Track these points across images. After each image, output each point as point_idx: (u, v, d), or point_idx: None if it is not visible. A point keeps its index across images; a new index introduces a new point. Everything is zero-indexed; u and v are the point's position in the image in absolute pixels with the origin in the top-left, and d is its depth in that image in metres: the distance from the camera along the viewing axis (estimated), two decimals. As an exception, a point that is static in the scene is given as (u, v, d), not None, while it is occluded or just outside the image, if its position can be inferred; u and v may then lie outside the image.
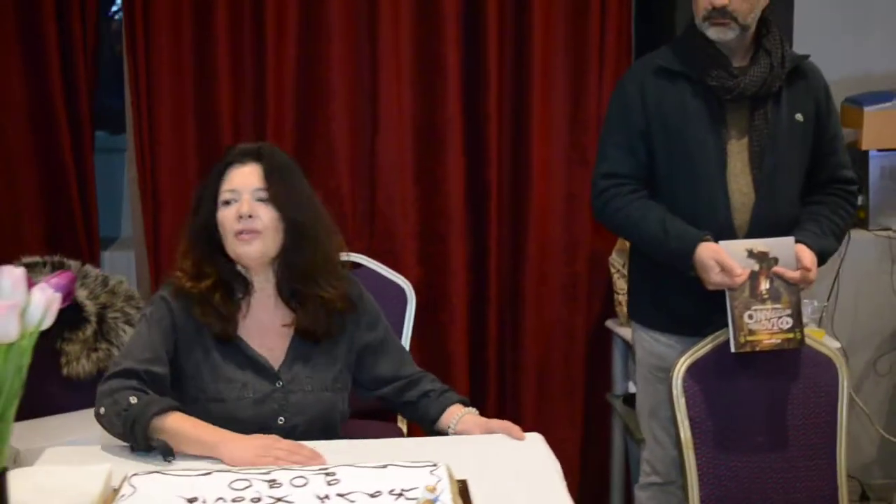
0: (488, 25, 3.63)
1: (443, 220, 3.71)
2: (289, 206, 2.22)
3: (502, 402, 3.82)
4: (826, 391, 2.66)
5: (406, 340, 3.26)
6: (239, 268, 2.26)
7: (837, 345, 3.57)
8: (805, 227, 2.72)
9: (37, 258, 3.30)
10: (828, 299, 3.88)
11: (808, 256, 2.61)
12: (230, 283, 2.24)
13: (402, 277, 3.34)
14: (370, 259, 3.36)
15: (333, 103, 3.63)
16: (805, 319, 3.43)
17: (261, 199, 2.20)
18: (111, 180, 3.97)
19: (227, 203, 2.21)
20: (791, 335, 2.60)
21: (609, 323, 3.74)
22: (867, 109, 3.91)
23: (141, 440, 2.03)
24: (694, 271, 2.62)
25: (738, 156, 2.71)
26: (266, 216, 2.20)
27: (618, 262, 3.56)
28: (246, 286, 2.27)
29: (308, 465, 1.94)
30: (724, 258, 2.57)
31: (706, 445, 2.59)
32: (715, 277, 2.57)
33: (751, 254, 2.59)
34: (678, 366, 2.62)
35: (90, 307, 3.29)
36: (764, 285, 2.59)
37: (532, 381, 3.79)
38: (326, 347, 2.30)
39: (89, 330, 3.28)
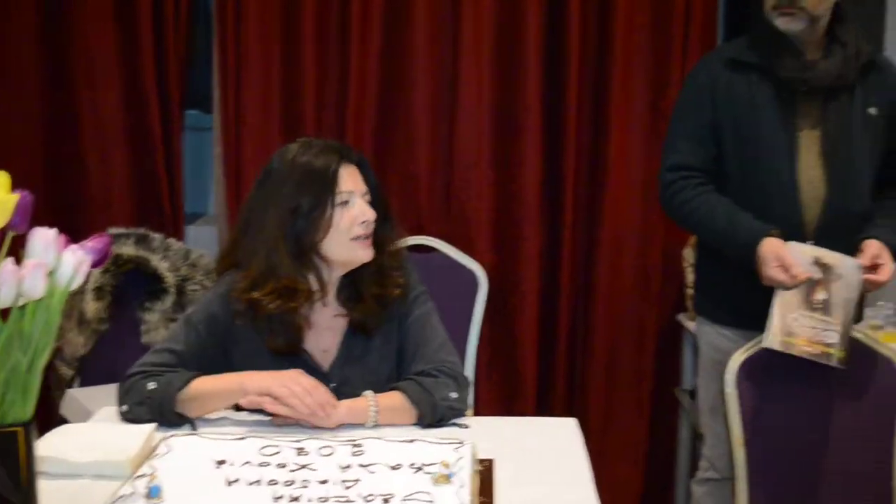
0: (570, 12, 3.64)
1: (518, 206, 3.73)
2: (381, 208, 2.21)
3: (571, 391, 3.83)
4: (885, 393, 2.59)
5: (476, 325, 3.29)
6: (324, 272, 2.20)
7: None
8: (879, 222, 2.66)
9: (122, 229, 3.45)
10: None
11: (882, 252, 2.55)
12: (300, 292, 2.15)
13: (475, 262, 3.37)
14: (444, 243, 3.40)
15: (414, 90, 3.69)
16: (881, 322, 3.38)
17: (367, 202, 2.18)
18: (202, 158, 4.09)
19: (344, 203, 2.15)
20: (832, 351, 2.54)
21: (680, 317, 3.71)
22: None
23: (173, 418, 2.05)
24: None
25: (809, 149, 2.66)
26: (375, 216, 2.18)
27: (690, 257, 3.52)
28: (310, 295, 2.18)
29: (316, 411, 1.98)
30: (784, 254, 2.53)
31: (758, 442, 2.54)
32: (770, 271, 2.53)
33: (817, 262, 2.55)
34: (734, 360, 2.58)
35: (170, 279, 3.42)
36: (820, 295, 2.54)
37: (601, 372, 3.79)
38: (380, 343, 2.25)
39: (169, 301, 3.42)
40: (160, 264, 3.42)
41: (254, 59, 3.67)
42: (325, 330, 2.23)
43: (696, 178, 2.72)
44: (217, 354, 2.19)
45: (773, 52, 2.65)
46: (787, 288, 2.53)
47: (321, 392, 2.02)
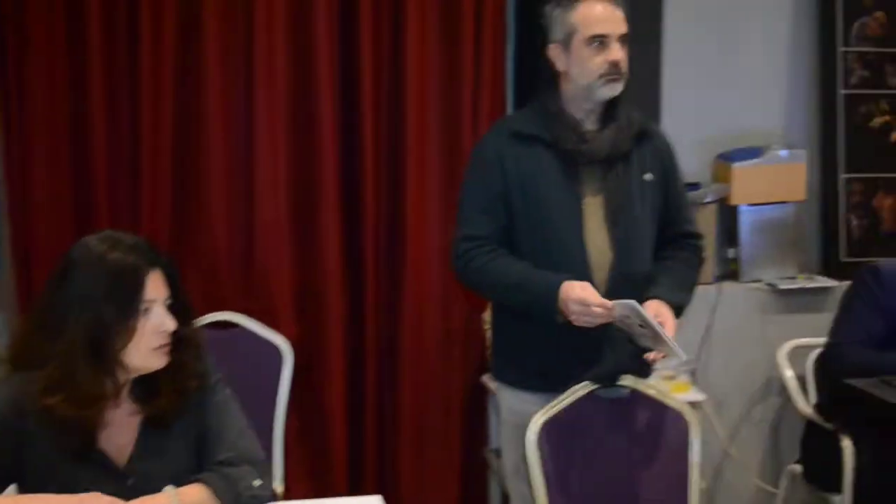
0: (363, 87, 3.70)
1: (320, 276, 3.73)
2: (180, 312, 2.15)
3: (382, 460, 3.84)
4: (678, 444, 2.72)
5: (282, 400, 3.27)
6: (120, 375, 2.11)
7: (702, 397, 3.65)
8: (659, 281, 2.79)
9: None
10: (700, 351, 3.96)
11: (661, 310, 2.67)
12: (86, 394, 2.06)
13: (279, 336, 3.35)
14: (246, 317, 3.37)
15: (210, 162, 3.65)
16: (672, 372, 3.55)
17: (167, 308, 2.11)
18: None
19: (146, 311, 2.08)
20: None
21: (484, 378, 3.77)
22: (736, 166, 4.04)
23: None
24: (560, 315, 2.66)
25: (594, 216, 2.77)
26: (174, 326, 2.12)
27: (490, 320, 3.59)
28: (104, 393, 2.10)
29: None
30: (587, 286, 2.62)
31: (562, 502, 2.61)
32: (576, 292, 2.60)
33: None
34: (534, 423, 2.65)
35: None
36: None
37: (410, 438, 3.81)
38: (178, 433, 2.18)
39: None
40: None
41: (40, 141, 3.54)
42: (120, 426, 2.16)
43: (489, 246, 2.78)
44: (6, 460, 2.09)
45: (555, 126, 2.76)
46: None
47: None
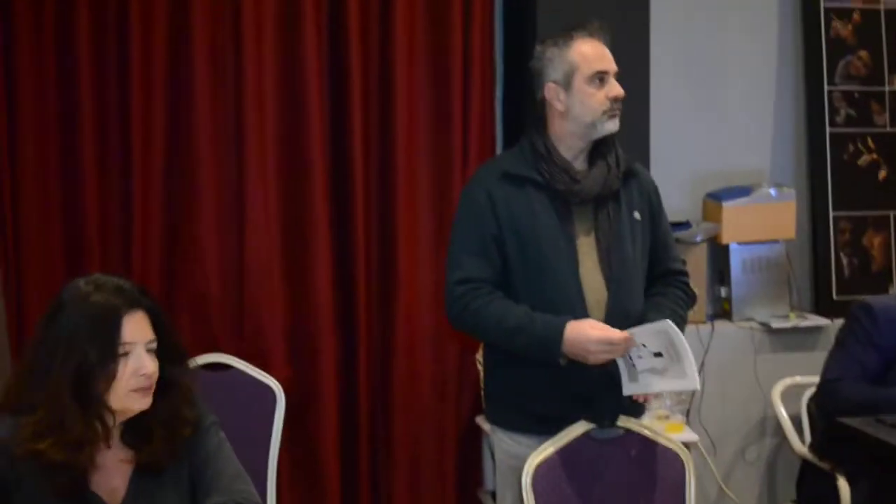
0: (353, 130, 3.72)
1: (312, 318, 3.73)
2: (169, 354, 2.13)
3: (376, 500, 3.81)
4: (674, 485, 2.70)
5: (275, 442, 3.24)
6: (108, 418, 2.09)
7: (696, 437, 3.64)
8: (650, 318, 2.77)
9: None
10: (693, 391, 3.94)
11: None
12: (83, 437, 2.05)
13: (271, 378, 3.32)
14: (239, 360, 3.35)
15: (200, 205, 3.66)
16: (666, 412, 3.53)
17: (150, 350, 2.09)
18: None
19: (125, 355, 2.06)
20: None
21: (478, 419, 3.76)
22: (726, 204, 4.05)
23: None
24: (563, 358, 2.64)
25: (588, 255, 2.76)
26: (155, 368, 2.10)
27: (484, 363, 3.58)
28: (95, 438, 2.08)
29: None
30: (597, 322, 2.62)
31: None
32: (594, 333, 2.59)
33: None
34: (528, 464, 2.63)
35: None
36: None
37: (404, 480, 3.80)
38: (171, 478, 2.15)
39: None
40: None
41: (31, 181, 3.55)
42: (112, 470, 2.13)
43: (486, 288, 2.76)
44: None
45: (546, 167, 2.76)
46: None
47: None
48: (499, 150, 3.92)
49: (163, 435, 2.12)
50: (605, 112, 2.72)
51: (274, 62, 3.68)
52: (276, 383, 3.30)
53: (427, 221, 3.80)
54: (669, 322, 2.55)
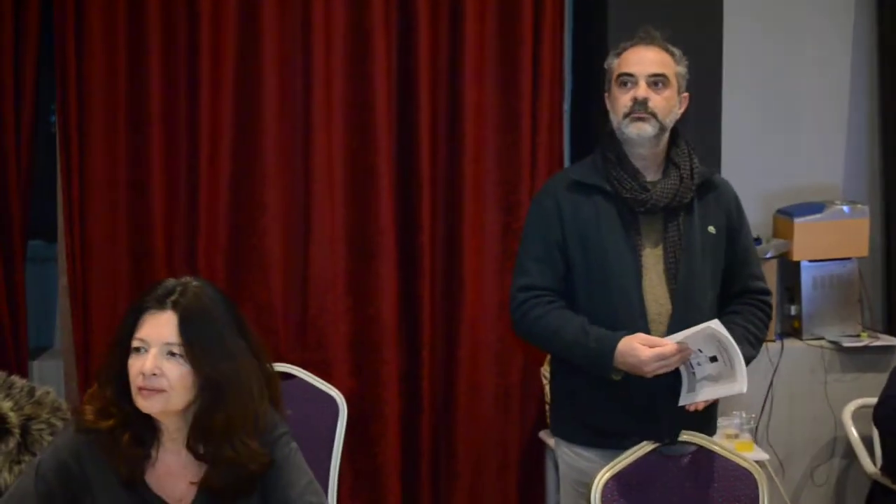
0: (421, 139, 3.71)
1: (376, 330, 3.71)
2: (204, 361, 2.06)
3: (436, 515, 3.78)
4: (747, 503, 2.64)
5: (337, 453, 3.22)
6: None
7: (766, 457, 3.57)
8: None
9: (-42, 370, 3.27)
10: (762, 409, 3.88)
11: None
12: (137, 428, 2.09)
13: (333, 389, 3.31)
14: (302, 370, 3.34)
15: (266, 216, 3.66)
16: (735, 431, 3.47)
17: (172, 353, 2.05)
18: (46, 289, 3.95)
19: (137, 350, 2.06)
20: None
21: (542, 434, 3.72)
22: (797, 221, 3.99)
23: None
24: (617, 374, 2.62)
25: (653, 267, 2.72)
26: (174, 373, 2.04)
27: (549, 373, 3.55)
28: (154, 433, 2.11)
29: None
30: (648, 337, 2.59)
31: (626, 562, 2.55)
32: (646, 353, 2.56)
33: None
34: (597, 479, 2.59)
35: (13, 418, 3.22)
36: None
37: (465, 493, 3.76)
38: (242, 501, 2.12)
39: (12, 442, 3.21)
40: (2, 403, 3.24)
41: (99, 188, 3.59)
42: (177, 477, 2.13)
43: (547, 297, 2.74)
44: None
45: (615, 174, 2.73)
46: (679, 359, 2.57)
47: None
48: (567, 162, 3.89)
49: (227, 456, 2.08)
50: (627, 115, 2.68)
51: (343, 73, 3.68)
52: (339, 394, 3.29)
53: (493, 234, 3.78)
54: (716, 321, 2.51)
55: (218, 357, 2.07)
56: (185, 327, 2.05)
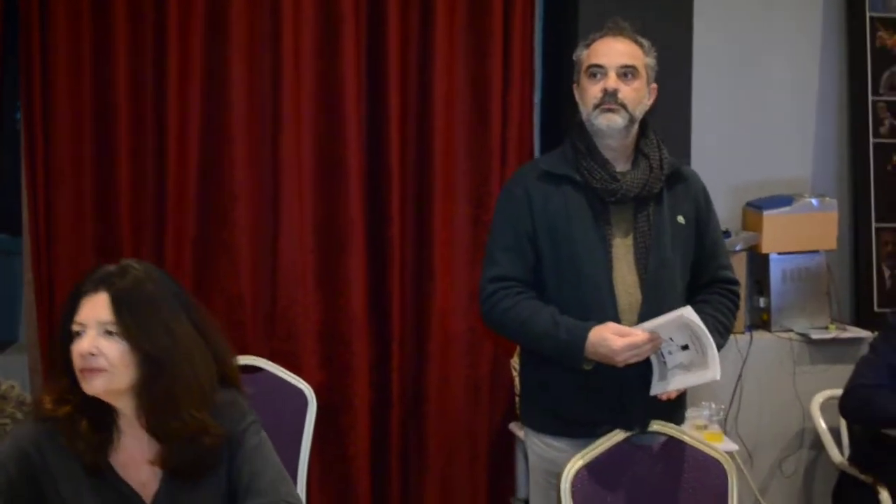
0: (390, 131, 3.69)
1: (345, 322, 3.69)
2: (141, 337, 2.05)
3: (405, 507, 3.77)
4: (716, 494, 2.65)
5: (306, 446, 3.21)
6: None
7: (735, 447, 3.58)
8: None
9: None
10: (731, 401, 3.90)
11: None
12: (94, 413, 2.09)
13: (302, 381, 3.29)
14: (270, 363, 3.32)
15: (235, 209, 3.63)
16: (705, 422, 3.48)
17: (109, 332, 2.04)
18: (11, 283, 3.91)
19: (77, 335, 2.06)
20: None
21: (512, 426, 3.71)
22: (766, 213, 4.00)
23: None
24: (588, 364, 2.61)
25: (623, 257, 2.72)
26: (112, 352, 2.04)
27: (519, 364, 3.55)
28: (112, 417, 2.11)
29: None
30: (619, 327, 2.58)
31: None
32: (617, 343, 2.55)
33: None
34: (568, 467, 2.58)
35: (-24, 412, 3.20)
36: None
37: (435, 486, 3.75)
38: (207, 476, 2.11)
39: (-25, 437, 3.19)
40: (-35, 398, 3.21)
41: (65, 181, 3.55)
42: (140, 461, 2.11)
43: (517, 288, 2.73)
44: (31, 494, 2.06)
45: (585, 165, 2.72)
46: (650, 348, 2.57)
47: None
48: (537, 153, 3.89)
49: (175, 432, 2.07)
50: (596, 106, 2.67)
51: (312, 65, 3.65)
52: (308, 386, 3.27)
53: (463, 226, 3.77)
54: (689, 308, 2.51)
55: (155, 333, 2.06)
56: (118, 305, 2.05)
